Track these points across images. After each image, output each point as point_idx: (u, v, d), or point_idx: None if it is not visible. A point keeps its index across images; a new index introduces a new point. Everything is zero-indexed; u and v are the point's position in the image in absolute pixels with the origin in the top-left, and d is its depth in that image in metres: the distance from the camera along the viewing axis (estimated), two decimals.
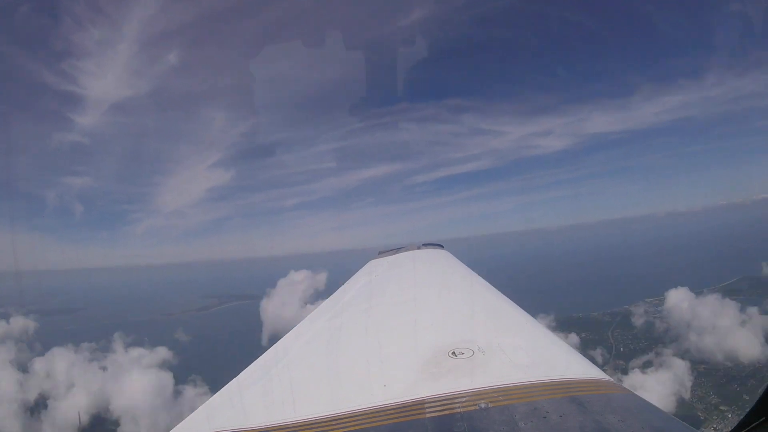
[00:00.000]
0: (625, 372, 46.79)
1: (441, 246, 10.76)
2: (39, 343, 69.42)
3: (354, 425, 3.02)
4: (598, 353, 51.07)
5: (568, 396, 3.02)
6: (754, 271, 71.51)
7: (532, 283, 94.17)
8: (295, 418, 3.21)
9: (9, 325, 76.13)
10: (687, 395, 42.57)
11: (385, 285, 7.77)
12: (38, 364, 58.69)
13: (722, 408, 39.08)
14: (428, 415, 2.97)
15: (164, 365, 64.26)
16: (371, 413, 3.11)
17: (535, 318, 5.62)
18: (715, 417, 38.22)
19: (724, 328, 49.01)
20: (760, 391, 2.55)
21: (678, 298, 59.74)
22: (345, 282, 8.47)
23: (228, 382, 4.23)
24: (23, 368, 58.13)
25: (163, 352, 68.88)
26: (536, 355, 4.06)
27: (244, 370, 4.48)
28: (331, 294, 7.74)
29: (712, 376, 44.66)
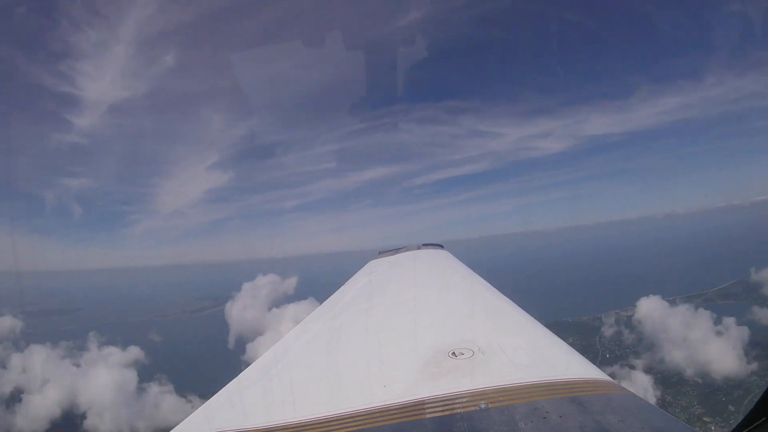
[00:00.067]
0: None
1: (441, 246, 10.77)
2: (24, 342, 71.42)
3: (354, 425, 3.02)
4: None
5: (568, 396, 3.02)
6: (749, 274, 71.49)
7: (530, 284, 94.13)
8: (296, 419, 3.21)
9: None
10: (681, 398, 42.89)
11: (386, 285, 7.77)
12: (15, 360, 62.36)
13: (705, 419, 38.99)
14: (428, 416, 2.97)
15: (136, 364, 67.60)
16: (371, 413, 3.11)
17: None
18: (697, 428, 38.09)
19: (698, 340, 49.43)
20: (760, 391, 2.55)
21: (650, 308, 59.11)
22: (345, 283, 8.47)
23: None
24: (2, 364, 61.51)
25: (135, 352, 72.12)
26: (536, 355, 4.06)
27: (244, 371, 4.48)
28: (331, 294, 7.74)
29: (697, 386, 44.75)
